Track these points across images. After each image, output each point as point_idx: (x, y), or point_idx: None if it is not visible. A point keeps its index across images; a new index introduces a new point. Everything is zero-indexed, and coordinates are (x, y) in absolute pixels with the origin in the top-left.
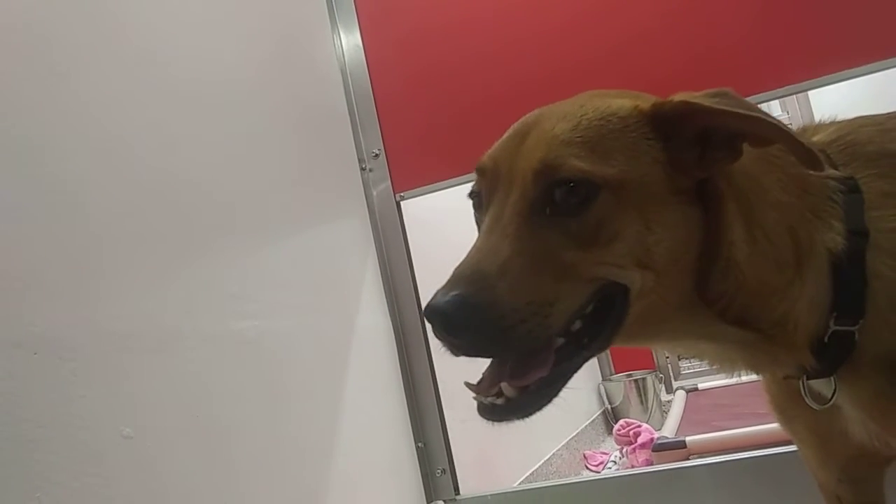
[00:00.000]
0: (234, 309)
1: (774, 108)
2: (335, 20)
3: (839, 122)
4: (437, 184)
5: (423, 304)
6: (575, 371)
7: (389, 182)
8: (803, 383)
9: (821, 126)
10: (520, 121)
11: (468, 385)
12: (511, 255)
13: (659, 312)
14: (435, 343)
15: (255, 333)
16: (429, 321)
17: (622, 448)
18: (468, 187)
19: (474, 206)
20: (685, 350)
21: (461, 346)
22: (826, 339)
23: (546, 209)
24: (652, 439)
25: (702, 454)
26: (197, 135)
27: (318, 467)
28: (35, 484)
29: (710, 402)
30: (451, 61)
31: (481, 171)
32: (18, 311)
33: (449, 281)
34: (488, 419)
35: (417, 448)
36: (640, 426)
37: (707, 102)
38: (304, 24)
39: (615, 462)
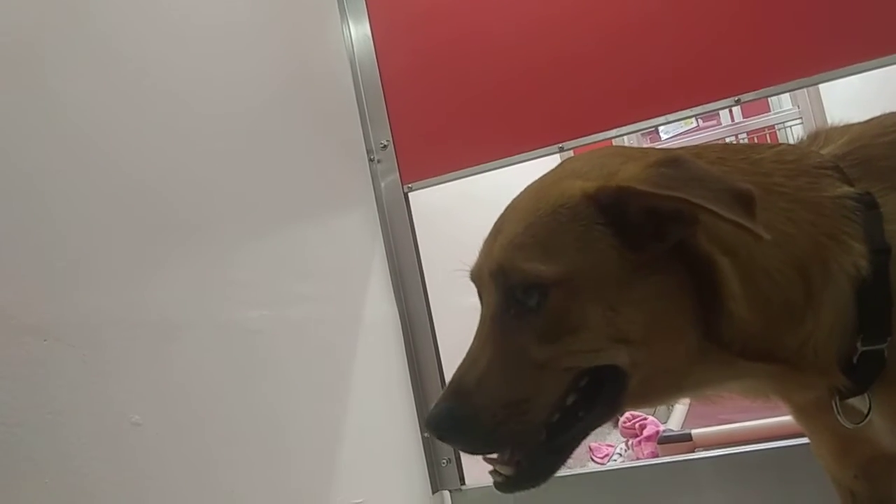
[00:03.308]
0: (241, 298)
1: (785, 102)
2: (344, 10)
3: (851, 131)
4: (445, 175)
5: (429, 293)
6: (576, 443)
7: (397, 173)
8: (836, 403)
9: (831, 135)
10: (499, 216)
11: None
12: (488, 361)
13: (672, 371)
14: (441, 334)
15: (263, 323)
16: (426, 429)
17: (628, 440)
18: (476, 179)
19: None
20: (714, 394)
21: (456, 447)
22: (855, 360)
23: (511, 310)
24: (657, 432)
25: (707, 447)
26: (205, 126)
27: (325, 457)
28: (43, 469)
29: None
30: (461, 54)
31: (472, 279)
32: (28, 299)
33: (444, 391)
34: (501, 491)
35: (423, 438)
36: (645, 419)
37: (644, 185)
38: (314, 14)
39: (620, 454)
